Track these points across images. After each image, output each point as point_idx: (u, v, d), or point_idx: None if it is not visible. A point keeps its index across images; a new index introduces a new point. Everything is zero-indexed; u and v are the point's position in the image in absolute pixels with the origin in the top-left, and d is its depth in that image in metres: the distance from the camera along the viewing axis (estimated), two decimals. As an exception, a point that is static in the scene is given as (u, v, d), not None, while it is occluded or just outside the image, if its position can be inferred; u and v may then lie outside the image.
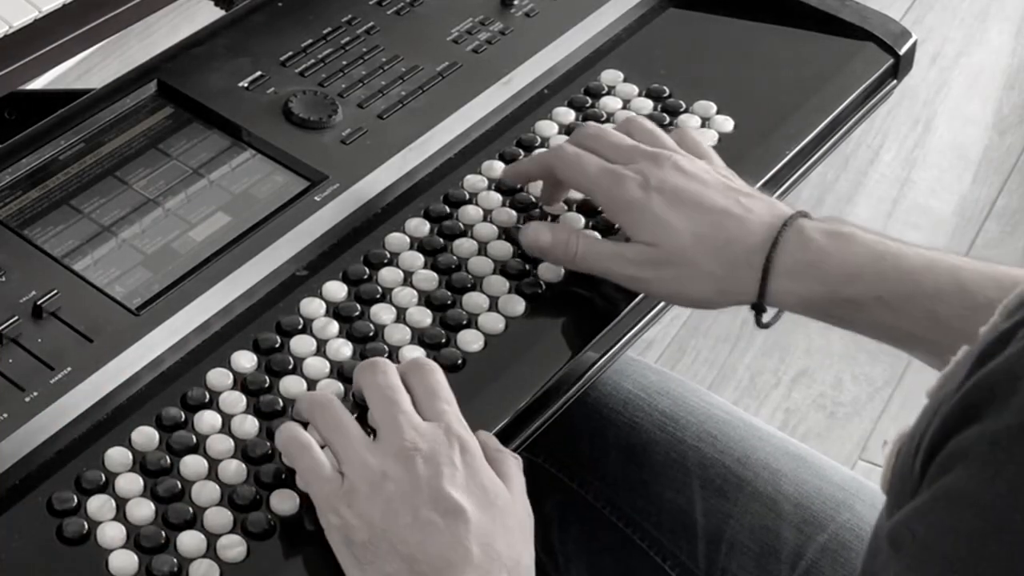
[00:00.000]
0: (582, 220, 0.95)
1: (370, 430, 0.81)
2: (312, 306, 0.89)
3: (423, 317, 0.89)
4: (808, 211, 0.89)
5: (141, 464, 0.81)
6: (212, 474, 0.81)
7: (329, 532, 0.77)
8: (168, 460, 0.81)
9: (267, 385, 0.85)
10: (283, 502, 0.79)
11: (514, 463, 0.80)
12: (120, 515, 0.78)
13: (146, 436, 0.82)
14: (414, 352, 0.87)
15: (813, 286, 0.86)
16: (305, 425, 0.81)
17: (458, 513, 0.74)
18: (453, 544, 0.73)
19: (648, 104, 1.04)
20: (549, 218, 0.96)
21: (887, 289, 0.84)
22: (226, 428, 0.83)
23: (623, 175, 0.89)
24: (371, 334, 0.88)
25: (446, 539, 0.74)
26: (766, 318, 0.89)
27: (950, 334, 0.82)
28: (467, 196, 0.97)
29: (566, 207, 0.96)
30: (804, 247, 0.86)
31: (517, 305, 0.90)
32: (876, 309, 0.85)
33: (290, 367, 0.86)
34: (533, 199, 0.97)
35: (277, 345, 0.87)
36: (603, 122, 1.02)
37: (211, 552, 0.77)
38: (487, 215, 0.96)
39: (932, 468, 0.60)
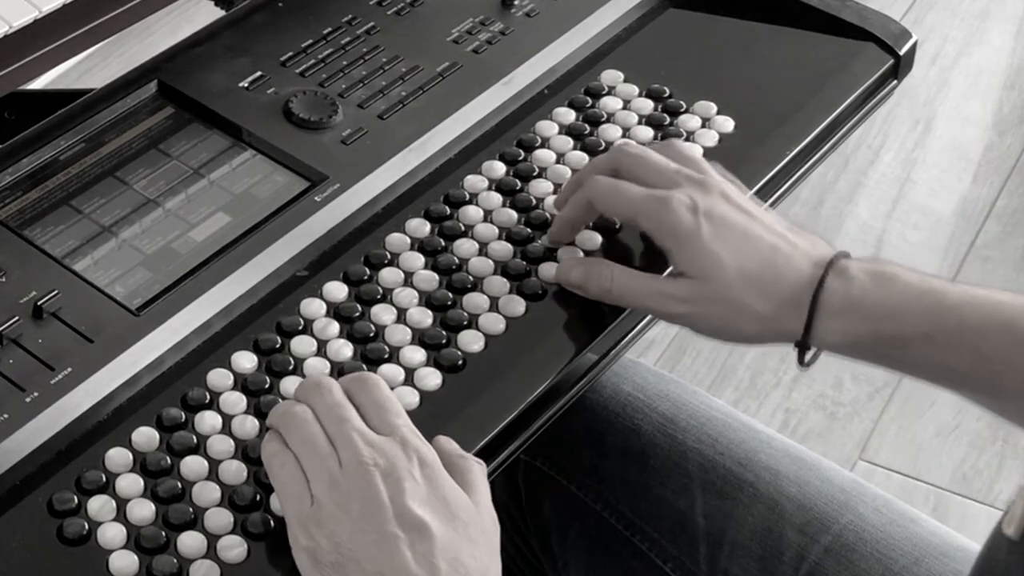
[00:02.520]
0: (599, 238, 0.94)
1: None
2: (312, 306, 0.89)
3: (423, 317, 0.89)
4: (848, 251, 0.88)
5: (141, 465, 0.81)
6: (212, 475, 0.81)
7: (297, 552, 0.75)
8: (168, 461, 0.81)
9: (267, 386, 0.85)
10: (283, 503, 0.79)
11: (478, 470, 0.79)
12: (120, 516, 0.78)
13: (146, 437, 0.82)
14: (415, 352, 0.87)
15: (857, 325, 0.85)
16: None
17: (422, 529, 0.73)
18: (419, 560, 0.72)
19: (648, 104, 1.04)
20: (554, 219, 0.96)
21: (932, 326, 0.84)
22: (226, 429, 0.83)
23: (671, 198, 0.87)
24: (371, 335, 0.88)
25: (412, 556, 0.72)
26: (807, 357, 0.88)
27: (997, 370, 0.83)
28: (467, 196, 0.97)
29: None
30: (849, 287, 0.85)
31: (517, 306, 0.90)
32: (922, 347, 0.84)
33: (290, 368, 0.86)
34: (534, 200, 0.96)
35: (277, 346, 0.87)
36: (603, 123, 1.02)
37: (211, 553, 0.77)
38: (487, 216, 0.96)
39: None
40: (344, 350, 0.87)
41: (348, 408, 0.79)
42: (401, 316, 0.89)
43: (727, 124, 1.03)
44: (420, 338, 0.88)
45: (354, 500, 0.74)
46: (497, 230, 0.95)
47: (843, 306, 0.85)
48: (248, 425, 0.83)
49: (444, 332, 0.88)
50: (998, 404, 0.86)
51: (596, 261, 0.92)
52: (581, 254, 0.93)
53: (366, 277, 0.91)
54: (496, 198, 0.97)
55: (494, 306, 0.90)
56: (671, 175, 0.89)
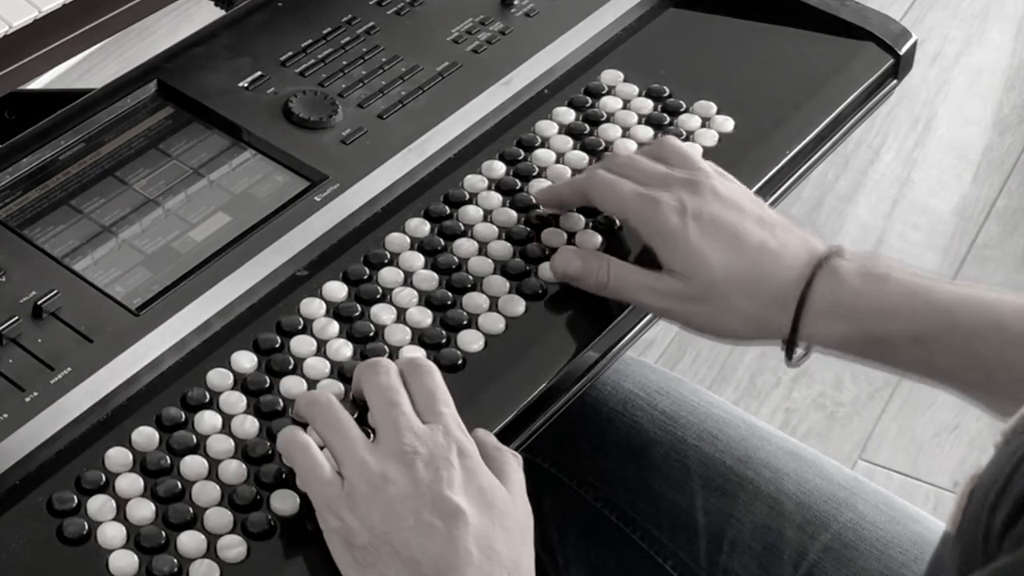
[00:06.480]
0: (582, 220, 0.95)
1: (369, 430, 0.80)
2: (312, 306, 0.89)
3: (423, 317, 0.89)
4: (841, 245, 0.88)
5: (141, 464, 0.81)
6: (212, 474, 0.81)
7: (328, 535, 0.76)
8: (168, 460, 0.81)
9: (267, 385, 0.85)
10: (283, 502, 0.79)
11: (514, 461, 0.80)
12: (120, 515, 0.78)
13: (146, 436, 0.82)
14: (414, 352, 0.87)
15: (845, 325, 0.85)
16: (305, 427, 0.81)
17: (458, 516, 0.74)
18: (454, 546, 0.74)
19: (648, 104, 1.04)
20: (554, 220, 0.96)
21: (921, 326, 0.84)
22: (226, 428, 0.83)
23: (659, 200, 0.88)
24: (371, 334, 0.88)
25: (447, 541, 0.74)
26: (796, 356, 0.88)
27: (989, 369, 0.82)
28: (467, 196, 0.97)
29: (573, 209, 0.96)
30: (837, 287, 0.85)
31: (517, 305, 0.90)
32: (911, 347, 0.84)
33: (290, 367, 0.86)
34: (533, 200, 0.97)
35: (277, 345, 0.87)
36: (603, 122, 1.03)
37: (211, 552, 0.77)
38: (487, 215, 0.96)
39: (1021, 525, 0.60)
40: (344, 350, 0.87)
41: (400, 393, 0.80)
42: (401, 316, 0.89)
43: (727, 124, 1.03)
44: (420, 338, 0.88)
45: (390, 484, 0.75)
46: (497, 230, 0.95)
47: (831, 306, 0.85)
48: (248, 424, 0.83)
49: (444, 332, 0.88)
50: (992, 401, 0.86)
51: (594, 254, 0.92)
52: None
53: (366, 277, 0.91)
54: (496, 198, 0.97)
55: (494, 306, 0.90)
56: (661, 176, 0.90)
